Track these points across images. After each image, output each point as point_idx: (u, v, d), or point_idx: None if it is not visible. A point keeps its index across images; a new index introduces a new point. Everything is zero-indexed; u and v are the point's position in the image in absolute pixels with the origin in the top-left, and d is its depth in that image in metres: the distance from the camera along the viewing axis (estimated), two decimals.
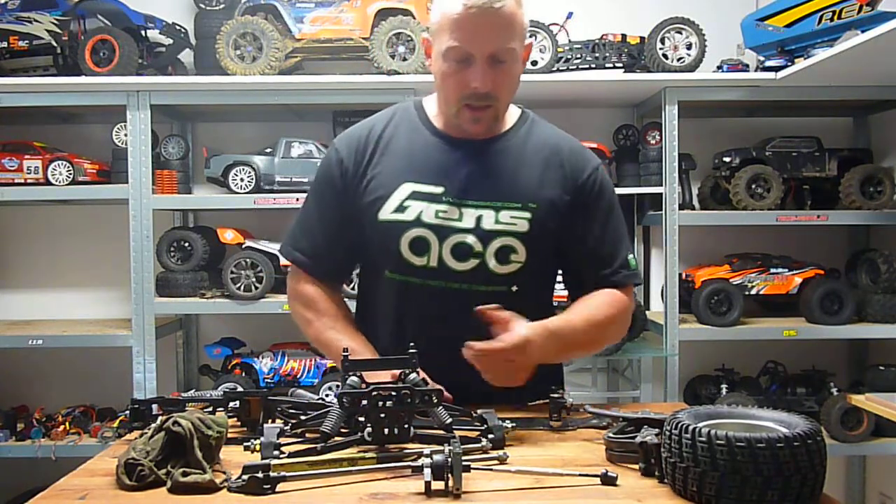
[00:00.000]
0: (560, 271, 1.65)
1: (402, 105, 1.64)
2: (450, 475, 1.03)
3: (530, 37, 2.81)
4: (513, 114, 1.61)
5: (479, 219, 1.49)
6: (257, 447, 1.20)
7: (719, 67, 2.91)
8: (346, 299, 1.66)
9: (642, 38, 2.94)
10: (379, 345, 1.55)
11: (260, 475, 1.04)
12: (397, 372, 1.32)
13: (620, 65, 2.96)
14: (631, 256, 1.59)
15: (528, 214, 1.50)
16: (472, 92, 1.44)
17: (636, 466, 1.12)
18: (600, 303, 1.54)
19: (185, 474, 1.05)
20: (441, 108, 1.56)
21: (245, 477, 1.05)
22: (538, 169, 1.54)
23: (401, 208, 1.50)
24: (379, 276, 1.56)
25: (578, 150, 1.59)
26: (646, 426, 1.17)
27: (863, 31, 2.32)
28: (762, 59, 2.89)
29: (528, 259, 1.50)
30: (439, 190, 1.50)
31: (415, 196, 1.50)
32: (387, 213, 1.51)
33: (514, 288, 1.50)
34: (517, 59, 1.47)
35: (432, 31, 1.49)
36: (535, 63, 2.86)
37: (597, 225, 1.56)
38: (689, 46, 2.86)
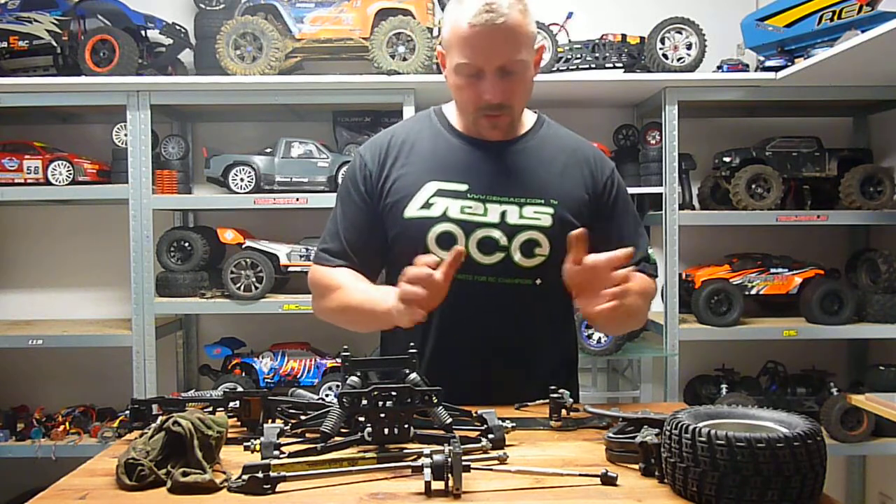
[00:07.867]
0: None
1: (423, 113, 1.70)
2: (450, 475, 1.02)
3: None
4: (528, 117, 1.66)
5: (503, 214, 1.54)
6: (257, 447, 1.20)
7: (719, 67, 2.91)
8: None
9: (642, 38, 2.94)
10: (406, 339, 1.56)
11: (260, 475, 1.04)
12: None
13: (620, 65, 2.96)
14: (651, 251, 1.66)
15: (550, 210, 1.55)
16: (486, 103, 1.50)
17: (636, 466, 1.12)
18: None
19: (185, 474, 1.05)
20: (460, 114, 1.62)
21: (245, 477, 1.05)
22: (558, 168, 1.60)
23: (427, 205, 1.55)
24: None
25: (596, 152, 1.66)
26: (646, 426, 1.17)
27: (863, 31, 2.32)
28: (762, 59, 2.89)
29: (551, 253, 1.53)
30: (464, 187, 1.55)
31: (440, 193, 1.55)
32: (413, 210, 1.55)
33: (539, 281, 1.54)
34: (528, 67, 1.51)
35: (444, 45, 1.54)
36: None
37: (617, 222, 1.62)
38: (689, 46, 2.86)
